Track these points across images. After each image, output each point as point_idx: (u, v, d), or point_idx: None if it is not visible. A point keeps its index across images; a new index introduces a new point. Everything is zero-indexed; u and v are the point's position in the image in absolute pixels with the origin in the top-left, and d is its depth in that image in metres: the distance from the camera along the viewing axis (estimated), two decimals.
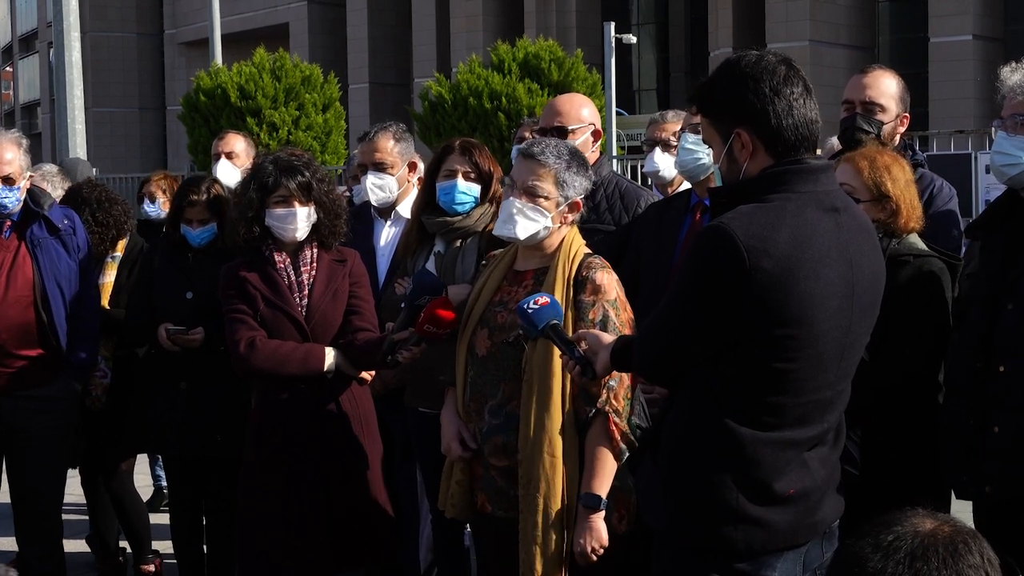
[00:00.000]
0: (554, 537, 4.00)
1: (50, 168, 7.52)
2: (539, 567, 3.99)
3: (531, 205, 4.17)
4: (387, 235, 5.87)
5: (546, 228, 4.20)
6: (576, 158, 4.29)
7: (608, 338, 3.75)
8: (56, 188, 7.07)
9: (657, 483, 3.41)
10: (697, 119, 4.15)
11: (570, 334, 3.89)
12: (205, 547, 6.17)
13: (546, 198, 4.18)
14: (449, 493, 4.34)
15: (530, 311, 3.85)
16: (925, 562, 1.97)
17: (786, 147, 3.28)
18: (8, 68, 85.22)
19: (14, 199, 5.76)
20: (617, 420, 4.02)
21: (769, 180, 3.26)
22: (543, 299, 3.88)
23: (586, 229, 4.53)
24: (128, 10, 65.37)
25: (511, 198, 4.21)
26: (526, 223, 4.18)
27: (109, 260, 6.58)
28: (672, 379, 3.45)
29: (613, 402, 4.03)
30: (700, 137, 4.74)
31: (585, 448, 4.05)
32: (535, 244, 4.24)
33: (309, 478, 4.93)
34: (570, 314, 4.06)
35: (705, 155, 4.84)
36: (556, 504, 4.01)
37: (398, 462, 5.65)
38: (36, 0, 71.57)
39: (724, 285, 3.12)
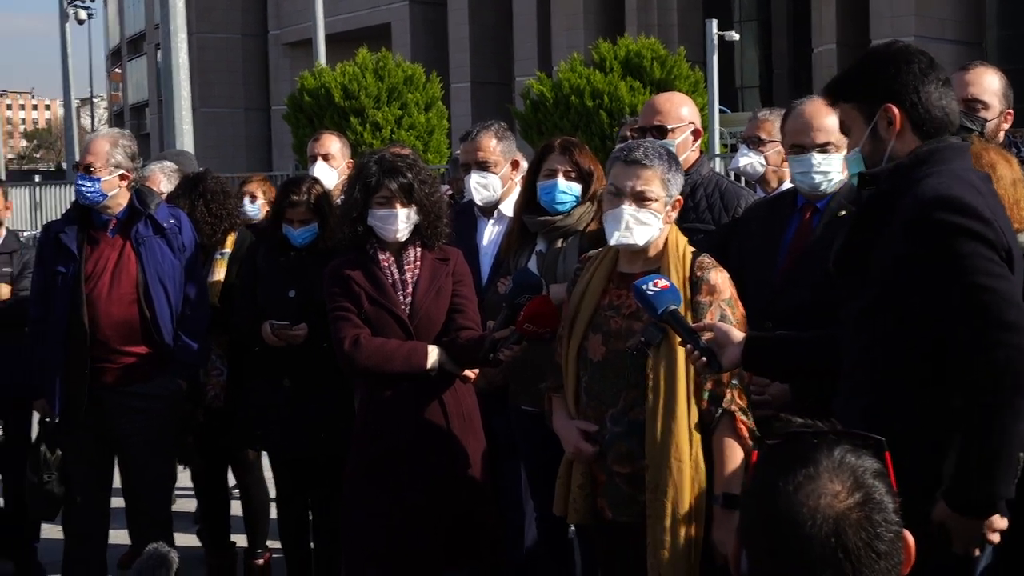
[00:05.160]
0: (683, 541, 3.99)
1: (169, 164, 7.66)
2: (668, 569, 3.98)
3: (644, 210, 4.16)
4: (490, 233, 5.88)
5: (659, 230, 4.20)
6: (672, 157, 4.32)
7: (738, 334, 3.77)
8: (172, 183, 7.19)
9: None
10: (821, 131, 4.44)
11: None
12: (312, 542, 6.24)
13: (655, 200, 4.17)
14: (571, 498, 4.30)
15: (649, 292, 3.83)
16: (847, 539, 2.00)
17: (934, 128, 3.38)
18: (117, 70, 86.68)
19: (94, 189, 5.88)
20: (744, 418, 4.03)
21: (926, 156, 3.35)
22: (663, 282, 3.87)
23: (686, 229, 4.51)
24: (233, 12, 66.15)
25: (622, 206, 4.17)
26: (643, 229, 4.17)
27: (218, 256, 6.64)
28: None
29: (738, 400, 4.05)
30: (830, 155, 4.69)
31: (714, 449, 4.05)
32: (645, 247, 4.23)
33: (413, 476, 4.95)
34: (688, 316, 4.04)
35: (836, 173, 4.74)
36: (684, 508, 4.00)
37: (501, 460, 5.66)
38: (144, 3, 72.68)
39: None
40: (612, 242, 4.22)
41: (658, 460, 4.02)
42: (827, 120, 4.68)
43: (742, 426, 4.03)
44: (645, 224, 4.16)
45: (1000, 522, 3.41)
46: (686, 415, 4.03)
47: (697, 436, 4.05)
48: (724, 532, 3.98)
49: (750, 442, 4.01)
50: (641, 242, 4.18)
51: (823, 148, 4.71)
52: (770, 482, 2.06)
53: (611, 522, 4.24)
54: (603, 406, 4.20)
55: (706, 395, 4.06)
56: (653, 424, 4.03)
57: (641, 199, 4.16)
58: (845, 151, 4.69)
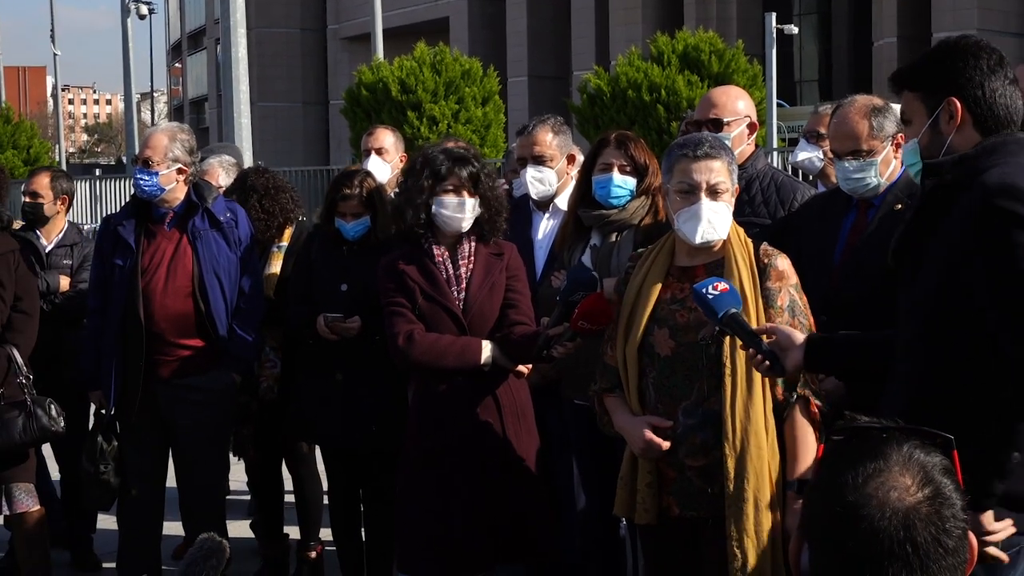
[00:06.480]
0: (766, 528, 3.99)
1: (227, 158, 7.71)
2: (751, 559, 3.96)
3: (719, 202, 4.16)
4: (545, 227, 5.88)
5: (730, 220, 4.22)
6: (727, 146, 4.39)
7: (799, 337, 3.74)
8: (231, 177, 7.24)
9: None
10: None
11: (755, 324, 3.89)
12: (364, 535, 6.25)
13: (727, 191, 4.18)
14: (640, 498, 4.23)
15: (709, 296, 3.81)
16: (916, 533, 1.95)
17: (996, 123, 3.36)
18: (177, 65, 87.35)
19: (151, 183, 5.94)
20: (817, 402, 4.05)
21: (992, 149, 3.33)
22: (722, 285, 3.84)
23: (741, 223, 4.49)
24: (292, 6, 66.55)
25: (699, 202, 4.14)
26: (722, 221, 4.17)
27: (275, 250, 6.66)
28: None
29: (811, 384, 4.06)
30: (861, 162, 4.69)
31: (788, 434, 4.06)
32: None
33: (467, 471, 4.95)
34: (760, 303, 4.07)
35: (872, 177, 4.74)
36: (766, 495, 4.00)
37: (554, 456, 5.65)
38: None
39: None
40: (697, 240, 4.16)
41: (738, 448, 4.01)
42: (856, 127, 4.75)
43: (816, 410, 4.05)
44: (722, 216, 4.17)
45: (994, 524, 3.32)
46: (764, 401, 4.03)
47: (773, 423, 4.06)
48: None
49: (823, 427, 4.03)
50: (724, 235, 4.19)
51: (854, 155, 4.74)
52: (838, 475, 2.02)
53: (677, 518, 4.20)
54: (675, 401, 4.16)
55: (780, 381, 4.05)
56: (732, 412, 4.02)
57: (715, 192, 4.16)
58: (882, 155, 4.71)
